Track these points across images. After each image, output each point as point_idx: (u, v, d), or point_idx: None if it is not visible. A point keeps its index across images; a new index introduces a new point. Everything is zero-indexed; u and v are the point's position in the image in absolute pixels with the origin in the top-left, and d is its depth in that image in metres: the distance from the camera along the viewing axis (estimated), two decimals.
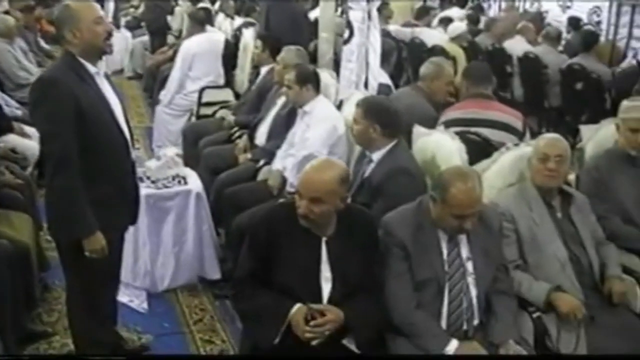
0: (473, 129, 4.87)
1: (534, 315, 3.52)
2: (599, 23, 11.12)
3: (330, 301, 3.25)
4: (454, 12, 11.73)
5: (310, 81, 5.06)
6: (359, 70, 5.27)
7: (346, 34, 5.32)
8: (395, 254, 3.37)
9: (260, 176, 5.31)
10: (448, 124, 4.96)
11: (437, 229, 3.39)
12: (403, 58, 9.37)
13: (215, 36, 8.19)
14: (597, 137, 4.56)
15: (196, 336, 4.61)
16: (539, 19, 11.80)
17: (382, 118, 4.13)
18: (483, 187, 3.38)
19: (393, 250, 3.38)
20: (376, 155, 4.16)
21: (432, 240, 3.39)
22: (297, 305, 3.17)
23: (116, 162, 3.68)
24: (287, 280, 3.25)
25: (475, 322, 3.40)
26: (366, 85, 5.37)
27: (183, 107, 7.93)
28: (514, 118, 5.02)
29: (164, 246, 5.11)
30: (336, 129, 4.86)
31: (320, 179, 3.19)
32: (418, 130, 4.45)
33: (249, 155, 5.72)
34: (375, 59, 5.32)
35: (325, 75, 5.75)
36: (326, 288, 3.28)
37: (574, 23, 10.64)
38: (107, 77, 3.73)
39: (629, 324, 3.61)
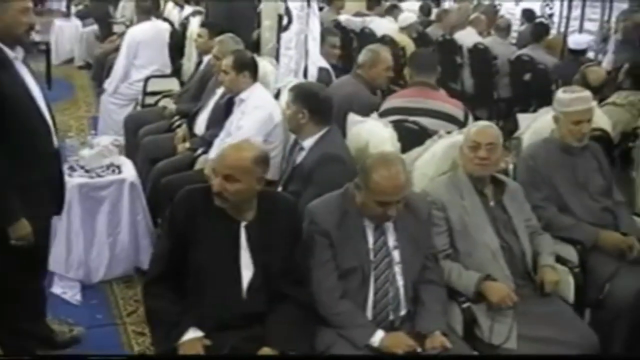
0: (412, 118, 4.81)
1: (464, 306, 3.46)
2: (551, 16, 11.17)
3: (250, 288, 3.17)
4: (410, 4, 11.70)
5: (247, 68, 4.95)
6: (298, 58, 5.17)
7: (285, 21, 5.21)
8: (320, 243, 3.29)
9: (197, 165, 5.18)
10: (389, 112, 4.94)
11: (363, 217, 3.31)
12: (353, 48, 9.27)
13: (160, 24, 8.03)
14: (535, 125, 4.53)
15: (129, 328, 4.49)
16: (492, 11, 11.80)
17: (311, 104, 4.07)
18: (409, 174, 3.33)
19: (317, 239, 3.29)
20: (307, 143, 4.09)
21: (358, 228, 3.31)
22: (191, 336, 3.07)
23: (39, 149, 3.58)
24: (205, 265, 3.16)
25: (402, 312, 3.32)
26: (306, 73, 5.24)
27: (128, 97, 7.75)
28: (456, 108, 4.98)
29: (98, 237, 4.97)
30: (272, 117, 4.75)
31: (235, 156, 3.12)
32: (352, 117, 4.39)
33: (187, 145, 5.59)
34: (315, 46, 5.23)
35: (265, 64, 5.66)
36: (246, 275, 3.18)
37: (528, 15, 10.67)
38: (26, 63, 3.60)
39: (560, 312, 3.57)
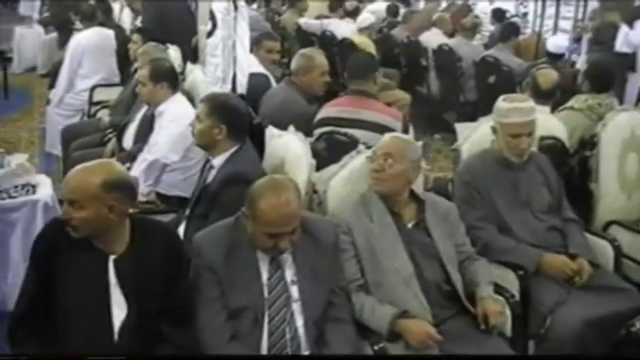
0: (344, 130, 4.41)
1: (376, 347, 3.04)
2: (525, 14, 10.81)
3: (122, 330, 2.76)
4: (379, 5, 11.31)
5: (165, 78, 4.57)
6: (225, 66, 4.75)
7: (209, 26, 4.80)
8: (206, 278, 2.88)
9: None
10: (322, 123, 4.57)
11: (256, 249, 2.90)
12: None
13: (105, 31, 7.60)
14: (475, 136, 4.12)
15: None
16: (465, 10, 11.46)
17: (230, 118, 3.65)
18: (302, 199, 2.93)
19: (203, 274, 2.89)
20: (217, 161, 3.68)
21: (249, 262, 2.90)
22: None
23: None
24: (71, 304, 2.75)
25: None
26: (235, 83, 4.84)
27: (74, 107, 7.31)
28: (393, 119, 4.55)
29: (13, 262, 4.56)
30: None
31: (77, 180, 2.71)
32: (270, 131, 3.98)
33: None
34: (244, 53, 4.82)
35: (197, 72, 5.27)
36: (118, 315, 2.77)
37: (498, 15, 10.27)
38: None
39: (493, 349, 3.14)
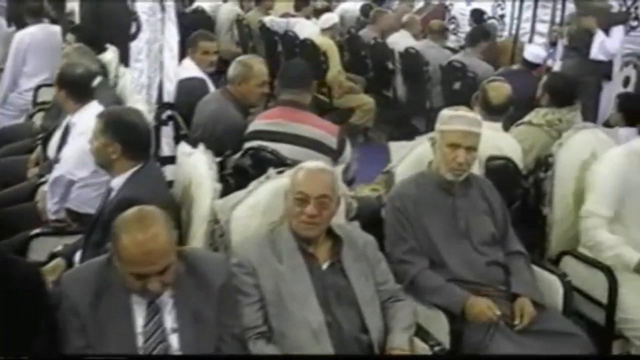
0: (273, 145, 4.01)
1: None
2: (502, 17, 10.44)
3: None
4: (351, 4, 10.94)
5: (69, 86, 4.19)
6: (150, 72, 4.35)
7: (133, 29, 4.40)
8: (71, 324, 2.49)
9: (37, 196, 4.38)
10: (251, 137, 4.17)
11: (130, 292, 2.50)
12: (278, 52, 8.51)
13: (51, 28, 7.21)
14: (411, 157, 3.73)
15: None
16: (441, 11, 11.08)
17: (126, 136, 3.25)
18: (173, 235, 2.50)
19: (68, 319, 2.50)
20: (116, 182, 3.28)
21: (121, 306, 2.51)
22: None
23: None
24: None
25: None
26: (161, 89, 4.45)
27: (18, 107, 6.95)
28: (327, 133, 4.16)
29: None
30: None
31: None
32: (183, 148, 3.58)
33: (36, 170, 4.78)
34: (171, 58, 4.42)
35: (129, 77, 4.87)
36: None
37: (477, 16, 9.89)
38: None
39: None
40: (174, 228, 2.51)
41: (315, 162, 3.11)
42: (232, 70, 4.57)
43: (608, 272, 3.60)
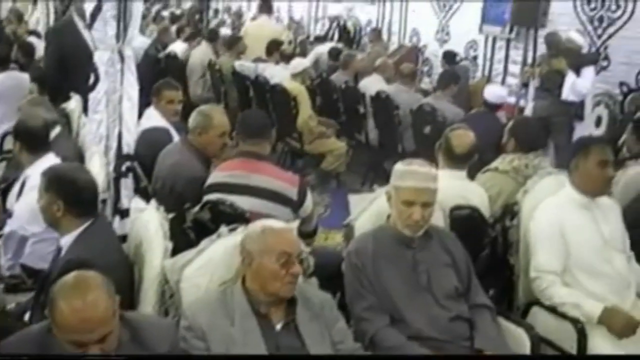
0: (232, 197, 3.92)
1: None
2: (475, 58, 10.47)
3: None
4: (324, 47, 10.95)
5: (27, 137, 4.10)
6: (109, 123, 4.25)
7: (91, 80, 4.31)
8: None
9: None
10: (211, 189, 4.07)
11: None
12: (250, 97, 8.46)
13: (18, 75, 7.15)
14: (371, 210, 3.64)
15: None
16: (415, 53, 11.11)
17: (67, 193, 3.17)
18: (114, 301, 2.37)
19: None
20: (65, 241, 3.18)
21: None
22: None
23: None
24: None
25: None
26: (120, 141, 4.34)
27: None
28: (288, 185, 4.07)
29: None
30: None
31: None
32: (136, 204, 3.48)
33: None
34: (131, 109, 4.31)
35: (87, 128, 4.77)
36: None
37: (449, 58, 9.89)
38: None
39: None
40: (114, 294, 2.40)
41: (276, 221, 3.03)
42: (192, 120, 4.49)
43: (576, 322, 3.52)
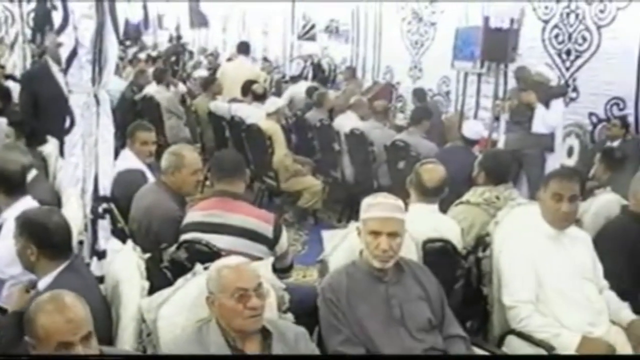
0: (209, 237, 3.97)
1: None
2: (448, 93, 10.61)
3: None
4: (299, 87, 11.06)
5: (3, 181, 4.12)
6: (85, 165, 4.29)
7: (67, 123, 4.36)
8: None
9: None
10: (186, 229, 4.12)
11: None
12: (226, 137, 8.52)
13: None
14: (344, 245, 3.70)
15: None
16: (389, 90, 11.24)
17: (39, 237, 3.21)
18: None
19: None
20: (42, 284, 3.19)
21: None
22: None
23: None
24: None
25: None
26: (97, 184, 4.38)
27: None
28: (263, 222, 4.13)
29: None
30: None
31: None
32: (113, 245, 3.52)
33: None
34: (107, 151, 4.36)
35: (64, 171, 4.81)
36: None
37: (419, 95, 10.00)
38: None
39: None
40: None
41: (235, 258, 3.07)
42: (164, 161, 4.53)
43: (552, 350, 3.57)
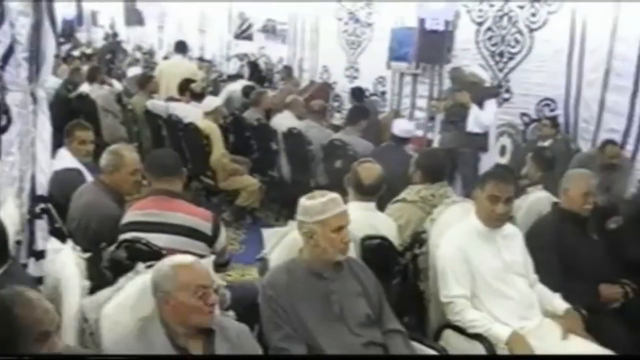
0: (148, 236, 3.97)
1: None
2: (384, 93, 10.71)
3: None
4: (237, 85, 11.04)
5: None
6: (22, 164, 4.24)
7: (3, 121, 4.30)
8: None
9: None
10: (126, 228, 4.10)
11: None
12: (163, 136, 8.47)
13: None
14: (284, 243, 3.74)
15: None
16: (326, 89, 11.31)
17: None
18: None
19: None
20: None
21: None
22: None
23: None
24: None
25: None
26: (34, 183, 4.33)
27: None
28: (202, 220, 4.15)
29: None
30: None
31: None
32: (52, 245, 3.50)
33: None
34: (44, 150, 4.32)
35: None
36: None
37: (357, 94, 10.09)
38: None
39: None
40: None
41: (184, 256, 3.08)
42: (103, 160, 4.51)
43: (487, 342, 3.68)
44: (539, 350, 3.60)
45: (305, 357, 2.97)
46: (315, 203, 3.46)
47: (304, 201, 3.51)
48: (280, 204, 8.17)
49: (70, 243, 3.35)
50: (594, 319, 4.03)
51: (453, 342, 3.82)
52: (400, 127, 7.04)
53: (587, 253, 4.44)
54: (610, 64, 7.64)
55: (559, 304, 4.01)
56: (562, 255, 4.33)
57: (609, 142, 7.13)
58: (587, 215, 4.57)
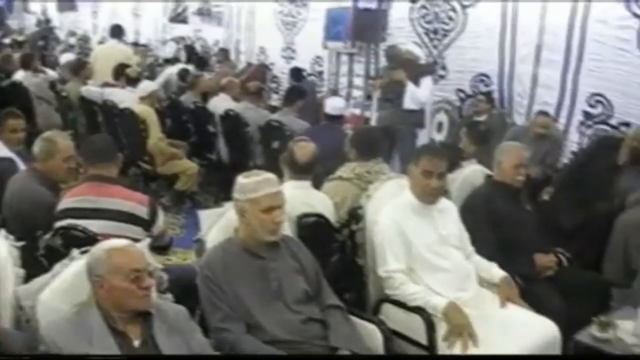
0: (84, 222, 3.95)
1: None
2: (321, 73, 10.75)
3: None
4: (175, 68, 10.97)
5: None
6: None
7: None
8: None
9: None
10: (61, 215, 4.06)
11: None
12: (99, 122, 8.37)
13: None
14: (221, 224, 3.76)
15: None
16: (263, 71, 11.29)
17: None
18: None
19: None
20: None
21: None
22: None
23: None
24: None
25: None
26: None
27: None
28: (138, 205, 4.15)
29: None
30: None
31: None
32: None
33: None
34: None
35: None
36: None
37: (296, 75, 10.13)
38: None
39: None
40: None
41: (118, 240, 3.07)
42: (36, 147, 4.45)
43: (424, 315, 3.76)
44: (476, 319, 3.67)
45: (303, 357, 2.98)
46: (249, 181, 3.49)
47: (240, 179, 3.54)
48: (219, 187, 8.14)
49: (2, 231, 3.30)
50: (529, 288, 4.16)
51: (392, 315, 3.89)
52: (332, 105, 7.10)
53: (520, 224, 4.56)
54: (541, 39, 7.79)
55: (496, 272, 4.11)
56: (496, 226, 4.43)
57: (541, 112, 7.31)
58: (519, 187, 4.68)
